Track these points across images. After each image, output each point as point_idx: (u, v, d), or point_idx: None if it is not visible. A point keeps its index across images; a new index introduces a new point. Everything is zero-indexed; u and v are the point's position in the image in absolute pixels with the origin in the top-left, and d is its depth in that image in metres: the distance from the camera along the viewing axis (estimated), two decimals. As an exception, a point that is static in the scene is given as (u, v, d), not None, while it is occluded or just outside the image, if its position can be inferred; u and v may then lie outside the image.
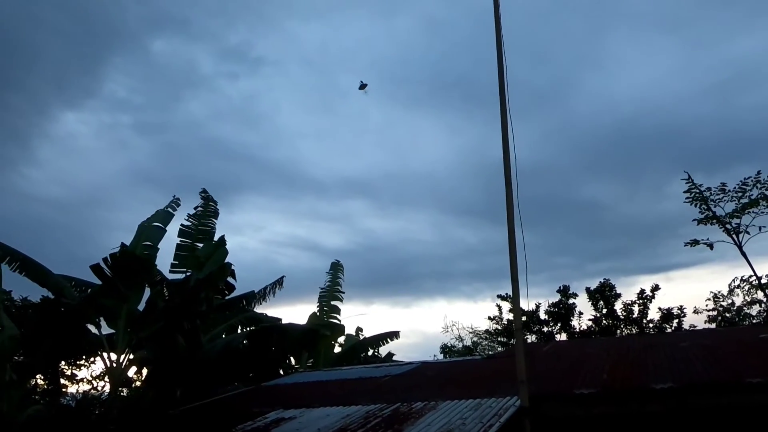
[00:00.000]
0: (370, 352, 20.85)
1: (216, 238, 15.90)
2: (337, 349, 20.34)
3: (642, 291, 20.64)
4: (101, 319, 13.48)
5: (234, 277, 13.90)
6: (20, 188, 37.18)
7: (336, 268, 20.37)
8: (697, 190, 13.90)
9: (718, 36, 39.65)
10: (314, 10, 44.77)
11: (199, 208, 16.44)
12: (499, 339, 23.54)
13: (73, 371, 17.33)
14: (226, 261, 14.23)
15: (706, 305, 21.06)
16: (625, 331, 20.60)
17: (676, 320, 20.14)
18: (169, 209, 16.12)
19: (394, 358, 22.70)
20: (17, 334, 12.30)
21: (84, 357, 16.40)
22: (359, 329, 22.68)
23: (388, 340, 20.16)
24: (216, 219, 16.45)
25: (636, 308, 20.58)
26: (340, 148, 46.77)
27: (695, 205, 14.00)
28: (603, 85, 39.50)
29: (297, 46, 46.37)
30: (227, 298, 15.10)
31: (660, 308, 20.36)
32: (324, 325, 17.44)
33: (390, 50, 44.60)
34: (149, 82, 43.38)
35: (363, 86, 15.82)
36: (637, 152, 39.04)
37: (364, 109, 44.69)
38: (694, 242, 14.15)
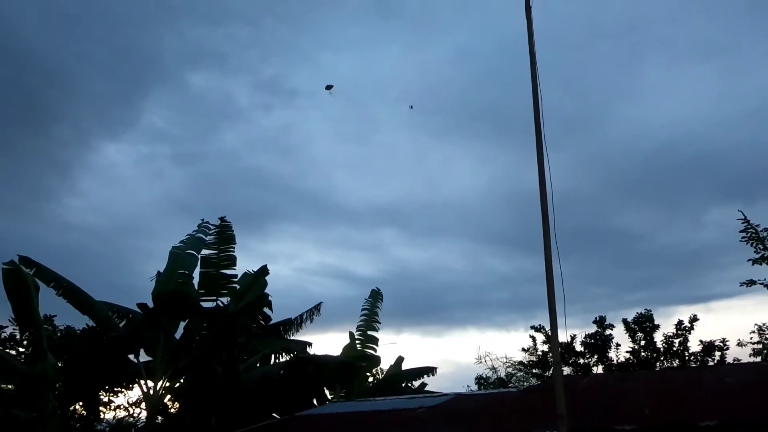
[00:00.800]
0: (404, 384, 20.62)
1: (237, 264, 16.04)
2: (371, 379, 20.20)
3: (680, 322, 20.09)
4: (141, 348, 13.74)
5: (270, 308, 14.04)
6: (62, 217, 38.36)
7: (375, 296, 20.23)
8: (753, 230, 13.56)
9: (753, 63, 39.08)
10: (346, 43, 45.66)
11: (215, 236, 16.48)
12: (533, 371, 23.09)
13: (111, 398, 17.62)
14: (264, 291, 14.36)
15: (751, 338, 20.35)
16: (666, 364, 20.00)
17: (719, 353, 19.49)
18: (201, 234, 16.32)
19: (427, 388, 22.41)
20: (56, 363, 12.62)
21: (123, 385, 16.66)
22: (401, 359, 22.11)
23: (425, 375, 19.91)
24: (234, 244, 16.51)
25: (676, 340, 20.02)
26: (372, 177, 47.16)
27: (751, 245, 13.66)
28: (637, 112, 39.11)
29: (330, 77, 47.06)
30: (264, 326, 15.23)
31: (701, 340, 19.76)
32: (360, 356, 17.33)
33: (421, 80, 45.01)
34: (186, 113, 44.66)
35: (329, 87, 16.39)
36: (674, 180, 38.36)
37: (396, 139, 45.04)
38: (750, 282, 13.78)
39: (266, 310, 14.00)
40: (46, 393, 11.82)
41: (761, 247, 13.52)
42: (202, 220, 16.70)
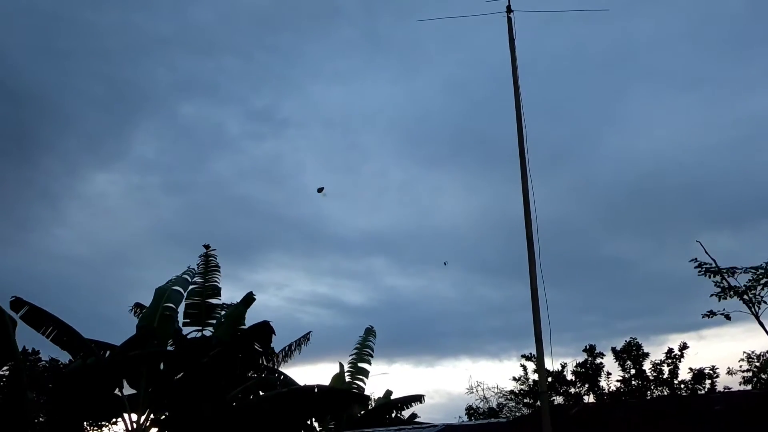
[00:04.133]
0: (393, 414, 20.38)
1: (226, 293, 15.93)
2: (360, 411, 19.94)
3: (670, 350, 20.05)
4: (124, 380, 13.49)
5: (272, 335, 13.47)
6: (50, 248, 38.03)
7: (369, 332, 20.41)
8: (709, 264, 13.58)
9: (737, 92, 39.87)
10: (336, 74, 46.26)
11: (201, 265, 16.48)
12: (524, 400, 22.86)
13: (95, 432, 17.27)
14: (263, 320, 13.94)
15: (740, 366, 20.33)
16: (656, 393, 19.89)
17: (709, 381, 19.42)
18: (186, 276, 16.22)
19: (417, 419, 22.11)
20: (33, 398, 12.36)
21: (106, 419, 16.34)
22: (389, 392, 22.04)
23: (412, 404, 19.84)
24: (219, 273, 16.47)
25: (666, 368, 19.94)
26: (362, 206, 47.23)
27: (709, 277, 13.69)
28: (623, 141, 39.66)
29: (320, 108, 47.68)
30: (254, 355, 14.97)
31: (691, 368, 19.71)
32: (350, 394, 16.99)
33: (410, 110, 45.56)
34: (177, 143, 44.80)
35: (320, 189, 17.93)
36: (661, 208, 38.65)
37: (385, 168, 45.33)
38: (710, 314, 13.81)
39: (256, 346, 13.55)
40: (25, 428, 11.56)
41: (718, 281, 13.56)
42: (188, 267, 16.59)
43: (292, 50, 45.49)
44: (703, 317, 13.98)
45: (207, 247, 16.75)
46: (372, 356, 19.87)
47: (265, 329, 13.41)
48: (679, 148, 37.82)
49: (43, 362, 16.84)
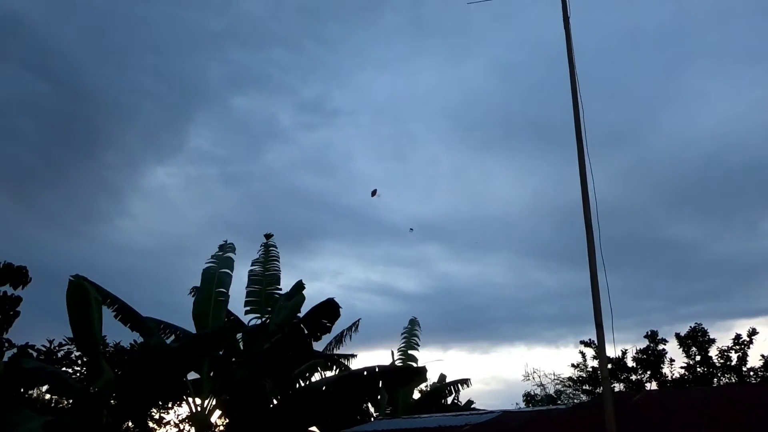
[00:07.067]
0: (449, 399, 20.52)
1: (281, 281, 16.21)
2: (416, 395, 20.19)
3: (738, 336, 19.26)
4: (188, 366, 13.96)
5: (338, 313, 13.55)
6: (113, 239, 39.70)
7: (413, 323, 20.80)
8: None
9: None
10: (384, 62, 46.16)
11: (261, 253, 16.77)
12: (584, 387, 22.48)
13: (162, 414, 18.02)
14: (328, 297, 14.09)
15: (816, 352, 19.35)
16: (723, 380, 19.19)
17: (781, 368, 18.59)
18: (229, 254, 16.35)
19: (474, 405, 22.11)
20: (112, 379, 12.94)
21: (172, 402, 17.01)
22: (443, 376, 22.29)
23: (459, 386, 20.09)
24: (279, 262, 16.74)
25: (734, 355, 19.18)
26: (413, 193, 47.19)
27: None
28: (683, 120, 38.06)
29: (369, 96, 47.80)
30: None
31: (763, 355, 18.89)
32: (410, 369, 17.12)
33: (459, 96, 45.12)
34: (231, 135, 45.82)
35: (374, 192, 18.10)
36: (725, 188, 37.02)
37: (435, 155, 45.04)
38: None
39: (324, 323, 13.67)
40: (100, 408, 12.13)
41: None
42: (225, 241, 16.74)
43: (339, 39, 45.70)
44: None
45: (268, 236, 17.05)
46: (419, 345, 20.40)
47: (331, 306, 13.64)
48: (743, 125, 36.07)
49: (111, 347, 17.62)
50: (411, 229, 21.57)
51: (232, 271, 15.98)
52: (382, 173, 47.71)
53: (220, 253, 16.32)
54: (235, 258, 16.42)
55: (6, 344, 15.14)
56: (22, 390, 14.83)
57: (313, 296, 17.69)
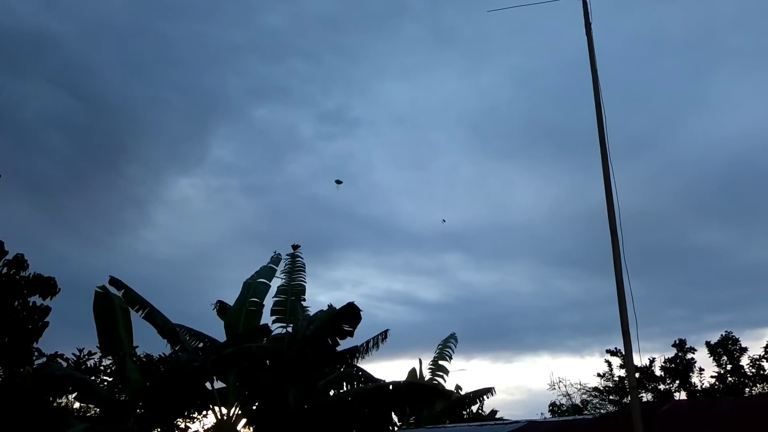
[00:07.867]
0: (474, 408, 20.38)
1: (307, 291, 16.29)
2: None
3: (770, 344, 18.80)
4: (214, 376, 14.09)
5: (359, 318, 13.61)
6: (137, 250, 40.34)
7: (451, 337, 20.85)
8: None
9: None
10: (404, 71, 46.45)
11: (287, 264, 16.86)
12: (610, 397, 22.12)
13: (187, 424, 18.19)
14: (349, 302, 14.16)
15: None
16: (755, 390, 18.73)
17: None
18: (272, 265, 16.67)
19: (498, 415, 21.92)
20: (140, 388, 13.12)
21: (198, 411, 17.14)
22: (458, 387, 22.25)
23: (484, 397, 19.94)
24: (304, 272, 16.72)
25: (766, 364, 18.73)
26: (433, 202, 47.20)
27: None
28: (708, 126, 37.53)
29: (388, 106, 48.07)
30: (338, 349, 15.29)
31: (795, 364, 18.41)
32: (434, 389, 17.07)
33: (479, 104, 45.11)
34: (253, 146, 46.38)
35: (339, 182, 18.92)
36: (752, 194, 36.31)
37: (456, 163, 44.99)
38: None
39: (345, 328, 13.69)
40: (128, 416, 12.30)
41: None
42: (275, 252, 17.01)
43: (359, 50, 46.10)
44: None
45: (295, 247, 17.13)
46: (452, 357, 20.35)
47: (353, 310, 13.67)
48: (769, 130, 35.34)
49: (142, 356, 17.85)
50: (443, 220, 22.18)
51: (270, 281, 16.12)
52: (403, 182, 47.88)
53: (265, 265, 16.49)
54: (277, 268, 16.60)
55: (36, 353, 15.45)
56: (51, 398, 15.10)
57: (334, 305, 17.77)
